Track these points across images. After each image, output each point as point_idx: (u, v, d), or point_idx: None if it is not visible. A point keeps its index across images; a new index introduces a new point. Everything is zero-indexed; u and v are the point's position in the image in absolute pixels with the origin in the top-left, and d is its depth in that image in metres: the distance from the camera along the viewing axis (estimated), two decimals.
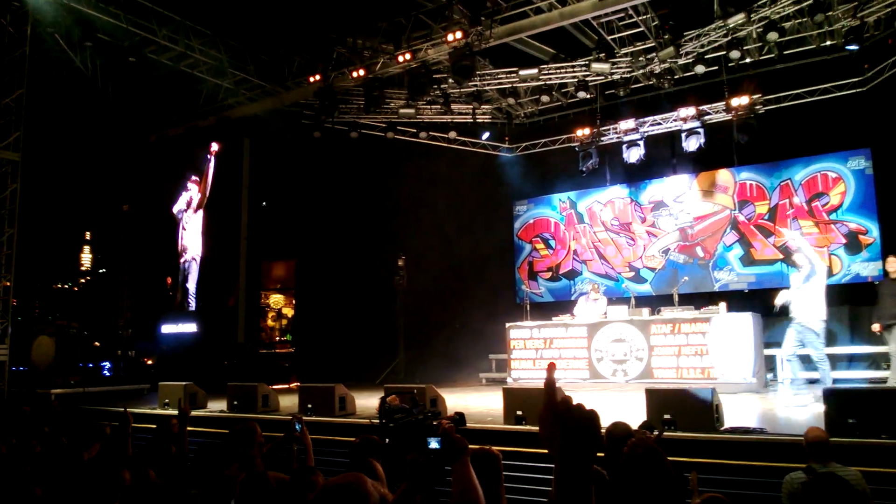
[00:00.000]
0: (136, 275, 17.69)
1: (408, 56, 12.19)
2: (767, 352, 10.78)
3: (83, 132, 17.11)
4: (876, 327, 8.80)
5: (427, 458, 2.38)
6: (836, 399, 5.76)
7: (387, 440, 5.18)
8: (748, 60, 12.23)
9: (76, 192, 27.15)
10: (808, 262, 8.92)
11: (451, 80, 12.53)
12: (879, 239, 11.70)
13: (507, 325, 12.32)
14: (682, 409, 6.36)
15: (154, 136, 17.37)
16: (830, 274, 11.99)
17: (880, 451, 5.15)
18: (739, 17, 10.84)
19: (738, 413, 7.38)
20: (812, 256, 9.11)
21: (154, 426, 4.39)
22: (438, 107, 14.28)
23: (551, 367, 1.68)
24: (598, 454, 1.48)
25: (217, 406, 10.01)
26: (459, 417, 5.16)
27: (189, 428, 4.59)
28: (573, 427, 1.43)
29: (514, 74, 13.20)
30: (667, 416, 6.36)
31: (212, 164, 16.65)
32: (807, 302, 8.69)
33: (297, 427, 4.59)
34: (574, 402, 1.55)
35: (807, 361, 9.77)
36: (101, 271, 16.56)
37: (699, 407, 6.32)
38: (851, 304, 11.81)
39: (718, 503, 2.63)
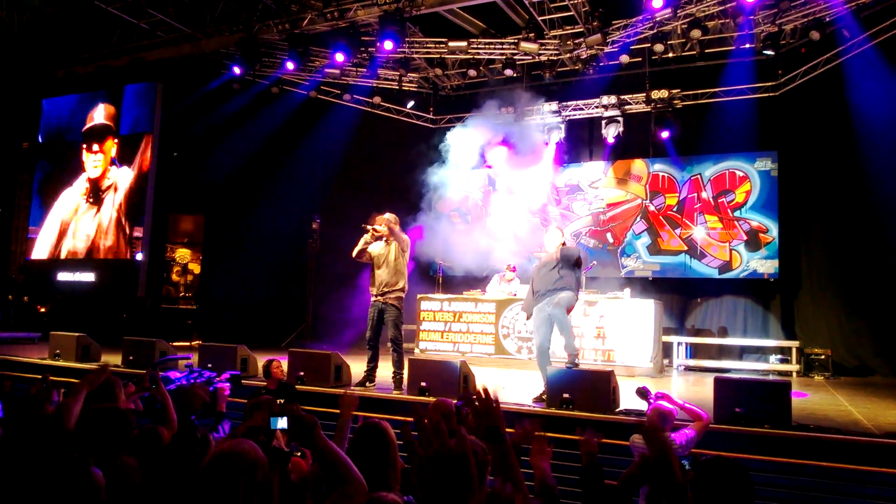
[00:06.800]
0: (33, 217, 16.75)
1: (336, 14, 11.93)
2: (665, 338, 11.22)
3: None
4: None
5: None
6: (724, 389, 6.03)
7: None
8: (671, 55, 12.61)
9: None
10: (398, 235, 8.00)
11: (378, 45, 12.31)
12: (778, 238, 12.27)
13: (419, 296, 12.33)
14: (581, 390, 6.53)
15: (62, 72, 16.36)
16: (729, 269, 12.55)
17: (763, 440, 5.44)
18: (666, 12, 11.09)
19: (634, 396, 7.61)
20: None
21: (38, 376, 4.11)
22: (364, 70, 14.03)
23: (420, 410, 1.29)
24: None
25: (111, 360, 9.63)
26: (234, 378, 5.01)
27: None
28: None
29: (444, 45, 13.08)
30: (566, 396, 6.52)
31: (121, 107, 15.86)
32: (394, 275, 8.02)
33: (150, 381, 4.33)
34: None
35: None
36: None
37: (597, 388, 6.50)
38: (747, 298, 12.41)
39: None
